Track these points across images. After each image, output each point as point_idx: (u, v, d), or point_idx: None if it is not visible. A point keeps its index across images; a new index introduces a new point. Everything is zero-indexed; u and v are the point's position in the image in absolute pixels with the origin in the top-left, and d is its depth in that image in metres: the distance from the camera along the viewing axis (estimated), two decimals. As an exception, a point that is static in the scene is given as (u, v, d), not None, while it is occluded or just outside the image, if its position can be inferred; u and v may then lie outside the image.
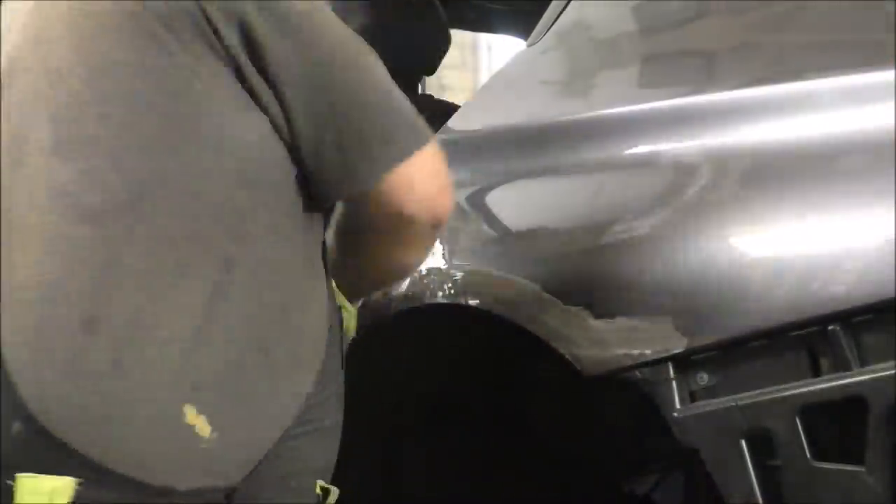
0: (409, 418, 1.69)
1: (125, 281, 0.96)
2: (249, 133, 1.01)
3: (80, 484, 0.93)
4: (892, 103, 1.06)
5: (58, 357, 0.94)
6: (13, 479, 0.93)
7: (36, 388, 0.94)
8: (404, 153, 1.05)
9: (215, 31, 0.98)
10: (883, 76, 1.10)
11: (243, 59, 1.00)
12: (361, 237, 1.15)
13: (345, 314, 1.20)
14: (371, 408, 1.48)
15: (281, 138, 1.03)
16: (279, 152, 1.03)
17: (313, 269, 1.10)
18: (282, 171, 1.04)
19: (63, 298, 0.95)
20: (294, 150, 1.04)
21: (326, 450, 1.11)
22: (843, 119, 1.12)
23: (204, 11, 0.98)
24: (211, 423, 0.98)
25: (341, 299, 1.21)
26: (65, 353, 0.94)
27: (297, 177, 1.05)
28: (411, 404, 1.65)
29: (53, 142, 0.97)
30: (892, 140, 1.05)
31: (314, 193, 1.07)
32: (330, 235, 1.20)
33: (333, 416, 1.12)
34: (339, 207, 1.17)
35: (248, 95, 1.01)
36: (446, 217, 1.11)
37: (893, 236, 1.01)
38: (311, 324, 1.09)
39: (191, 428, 0.97)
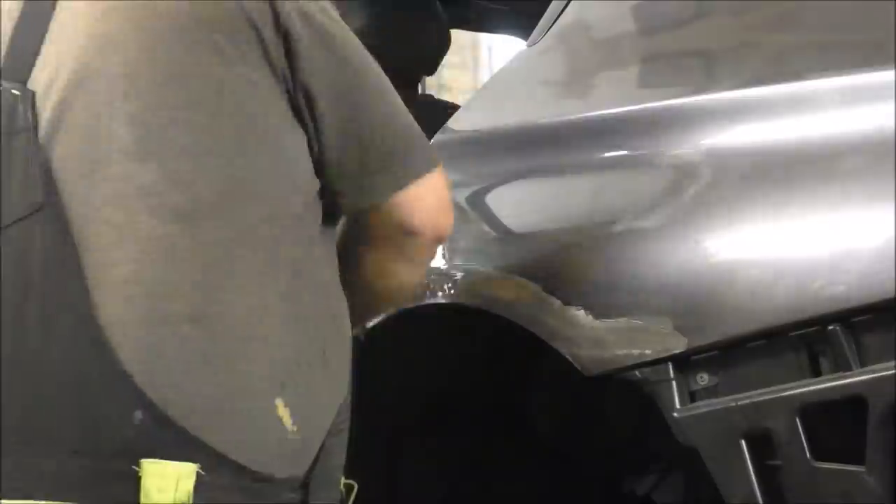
0: (410, 418, 1.69)
1: (219, 279, 1.02)
2: (296, 143, 1.08)
3: (201, 469, 0.98)
4: (892, 103, 1.06)
5: (169, 349, 0.99)
6: (138, 465, 0.96)
7: (153, 377, 0.98)
8: (419, 172, 1.13)
9: (263, 41, 1.04)
10: (883, 76, 1.10)
11: (287, 71, 1.06)
12: (364, 252, 1.19)
13: None
14: (371, 408, 1.48)
15: (310, 148, 1.09)
16: (311, 165, 1.10)
17: (341, 285, 1.16)
18: (316, 186, 1.11)
19: (168, 294, 1.00)
20: (317, 162, 1.10)
21: (344, 450, 1.16)
22: (843, 119, 1.12)
23: (252, 21, 1.04)
24: (292, 416, 1.03)
25: None
26: (176, 345, 0.99)
27: (320, 191, 1.12)
28: (411, 404, 1.65)
29: (135, 144, 1.01)
30: (892, 140, 1.05)
31: (329, 205, 1.13)
32: None
33: (348, 421, 1.16)
34: (345, 223, 1.21)
35: (290, 106, 1.07)
36: (447, 233, 1.18)
37: (893, 236, 1.01)
38: (349, 332, 1.16)
39: (280, 420, 1.02)
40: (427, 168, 1.13)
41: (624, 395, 1.28)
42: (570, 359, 1.24)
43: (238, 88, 1.04)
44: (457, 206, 1.50)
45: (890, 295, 1.00)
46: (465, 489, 1.79)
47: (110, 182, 1.01)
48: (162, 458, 0.97)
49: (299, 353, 1.06)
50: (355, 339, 1.20)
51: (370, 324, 1.42)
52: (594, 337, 1.23)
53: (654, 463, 1.84)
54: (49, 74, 1.05)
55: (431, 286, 1.43)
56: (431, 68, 2.41)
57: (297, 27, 1.05)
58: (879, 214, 1.04)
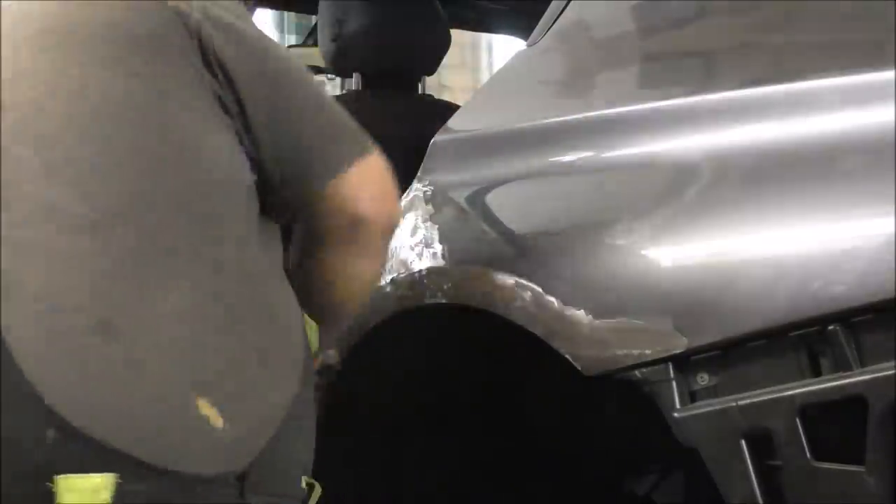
0: (409, 418, 1.69)
1: (127, 286, 1.01)
2: (219, 144, 1.09)
3: (120, 479, 0.96)
4: (892, 103, 1.06)
5: (77, 360, 0.97)
6: (52, 482, 0.94)
7: (63, 393, 0.96)
8: (353, 155, 1.15)
9: (174, 46, 1.07)
10: (883, 76, 1.10)
11: (205, 72, 1.08)
12: (320, 252, 1.22)
13: (308, 329, 1.25)
14: (371, 408, 1.48)
15: (242, 147, 1.11)
16: (242, 164, 1.11)
17: (285, 278, 1.16)
18: (246, 182, 1.11)
19: (73, 306, 0.99)
20: (253, 158, 1.12)
21: (307, 448, 1.15)
22: (843, 119, 1.12)
23: (161, 29, 1.07)
24: (222, 414, 1.02)
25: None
26: (83, 356, 0.97)
27: (256, 189, 1.13)
28: (411, 404, 1.65)
29: (43, 165, 1.02)
30: (893, 140, 1.05)
31: (273, 202, 1.15)
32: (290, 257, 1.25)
33: (311, 418, 1.16)
34: (298, 224, 1.23)
35: (216, 108, 1.08)
36: (396, 221, 1.22)
37: (893, 236, 1.01)
38: (294, 326, 1.15)
39: (205, 419, 1.01)
40: (361, 153, 1.15)
41: (624, 395, 1.28)
42: (570, 359, 1.24)
43: (146, 98, 1.05)
44: (457, 206, 1.50)
45: (890, 295, 1.00)
46: (464, 489, 1.79)
47: (19, 204, 1.01)
48: (80, 472, 0.95)
49: (228, 352, 1.05)
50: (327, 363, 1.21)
51: (370, 325, 1.42)
52: (594, 337, 1.23)
53: (654, 463, 1.84)
54: None
55: (431, 286, 1.43)
56: (431, 68, 2.41)
57: (208, 28, 1.08)
58: (879, 214, 1.04)
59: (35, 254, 1.00)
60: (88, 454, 0.96)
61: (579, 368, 1.24)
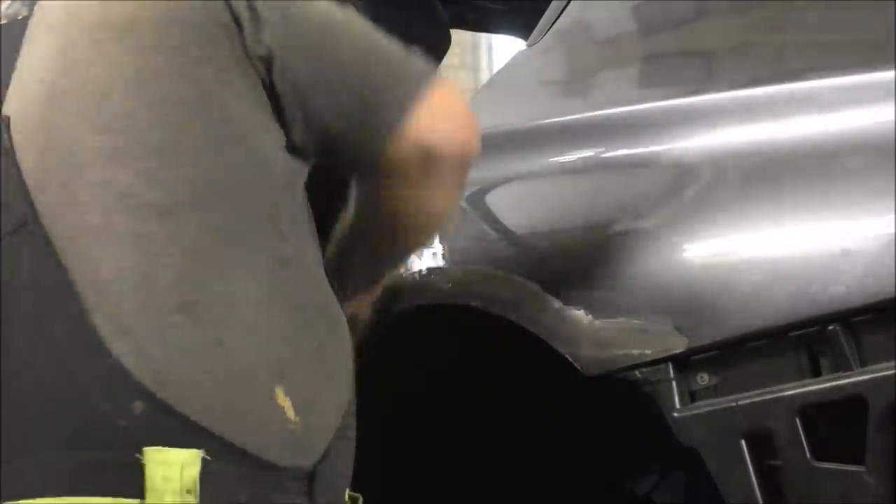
0: (410, 419, 1.69)
1: (206, 271, 1.02)
2: (270, 138, 1.09)
3: (206, 455, 0.97)
4: (892, 103, 1.06)
5: (163, 338, 0.99)
6: (141, 453, 0.95)
7: (150, 368, 0.98)
8: (415, 91, 1.10)
9: (227, 35, 1.06)
10: (883, 76, 1.10)
11: (252, 55, 1.07)
12: (390, 191, 1.17)
13: None
14: (372, 409, 1.48)
15: (306, 125, 1.10)
16: (291, 161, 1.10)
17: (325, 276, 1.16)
18: (297, 178, 1.12)
19: (155, 287, 1.00)
20: (323, 128, 1.10)
21: (351, 460, 1.14)
22: (843, 119, 1.12)
23: (212, 15, 1.06)
24: (294, 406, 1.02)
25: None
26: (169, 334, 0.99)
27: (303, 185, 1.12)
28: (411, 404, 1.65)
29: (109, 150, 1.03)
30: (892, 140, 1.05)
31: (351, 161, 1.14)
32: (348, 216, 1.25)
33: (354, 430, 1.15)
34: (362, 177, 1.21)
35: (263, 95, 1.08)
36: (473, 151, 1.14)
37: (893, 236, 1.01)
38: (345, 337, 1.14)
39: (282, 409, 1.02)
40: (423, 85, 1.11)
41: (624, 395, 1.28)
42: (570, 359, 1.24)
43: (209, 86, 1.05)
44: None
45: (890, 295, 1.00)
46: (464, 489, 1.79)
47: (87, 188, 1.02)
48: (166, 446, 0.96)
49: (293, 344, 1.05)
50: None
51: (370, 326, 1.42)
52: (594, 337, 1.23)
53: (654, 463, 1.84)
54: (21, 97, 1.07)
55: (431, 286, 1.43)
56: (431, 68, 2.41)
57: (243, 10, 1.07)
58: (879, 214, 1.04)
59: (109, 239, 1.01)
60: (174, 428, 0.97)
61: (579, 368, 1.24)
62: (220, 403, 0.99)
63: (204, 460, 0.96)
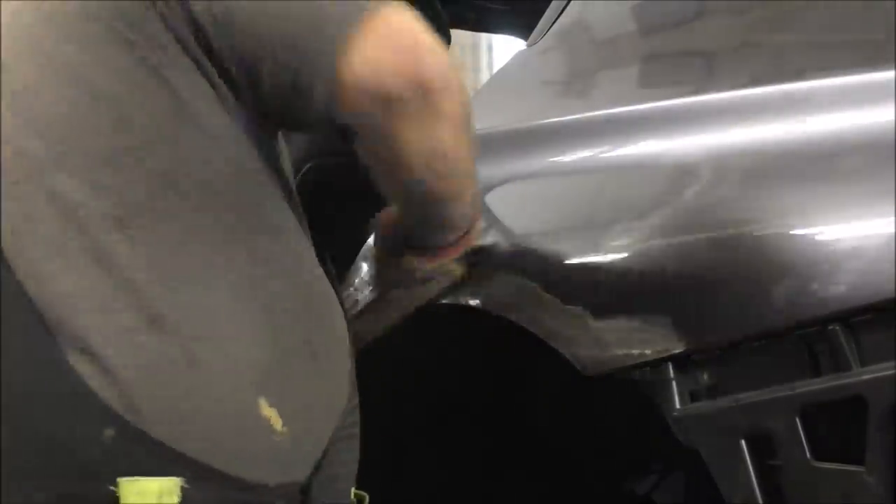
0: (411, 419, 1.69)
1: (169, 281, 0.95)
2: (220, 118, 1.00)
3: (184, 483, 0.91)
4: (892, 103, 1.06)
5: (130, 359, 0.93)
6: (114, 485, 0.90)
7: (119, 391, 0.92)
8: (352, 19, 0.93)
9: (167, 22, 0.97)
10: (883, 76, 1.10)
11: (192, 43, 0.98)
12: (369, 142, 1.04)
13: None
14: (371, 408, 1.47)
15: (253, 86, 0.99)
16: (255, 139, 1.02)
17: (322, 271, 1.09)
18: (266, 158, 1.03)
19: (116, 304, 0.94)
20: (256, 101, 0.99)
21: (355, 457, 1.10)
22: (843, 119, 1.12)
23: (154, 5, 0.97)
24: (281, 415, 0.97)
25: None
26: (136, 354, 0.93)
27: (279, 166, 1.05)
28: (412, 404, 1.65)
29: (50, 158, 0.96)
30: (892, 140, 1.05)
31: (302, 121, 1.02)
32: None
33: (359, 425, 1.11)
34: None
35: (206, 80, 0.99)
36: (436, 78, 0.95)
37: (893, 236, 1.01)
38: (340, 326, 1.08)
39: (266, 420, 0.96)
40: (359, 12, 0.93)
41: (624, 395, 1.28)
42: (570, 359, 1.24)
43: (145, 77, 0.96)
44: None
45: (890, 295, 1.00)
46: (465, 489, 1.79)
47: (34, 199, 0.96)
48: (141, 475, 0.91)
49: (275, 346, 0.99)
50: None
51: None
52: (594, 337, 1.23)
53: (655, 463, 1.84)
54: None
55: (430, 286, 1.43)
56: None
57: None
58: (879, 214, 1.04)
59: (63, 253, 0.94)
60: (150, 455, 0.92)
61: (579, 368, 1.24)
62: (196, 425, 0.93)
63: (183, 489, 0.91)
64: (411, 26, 0.95)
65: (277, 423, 0.97)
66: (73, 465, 0.91)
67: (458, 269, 1.33)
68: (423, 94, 0.94)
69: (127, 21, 0.96)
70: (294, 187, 1.12)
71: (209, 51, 0.98)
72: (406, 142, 0.98)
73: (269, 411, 0.96)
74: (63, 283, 0.94)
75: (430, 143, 0.99)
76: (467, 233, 1.22)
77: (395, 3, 0.95)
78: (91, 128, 0.96)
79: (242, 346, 0.97)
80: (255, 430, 0.96)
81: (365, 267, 1.50)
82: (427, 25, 0.94)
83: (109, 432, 0.91)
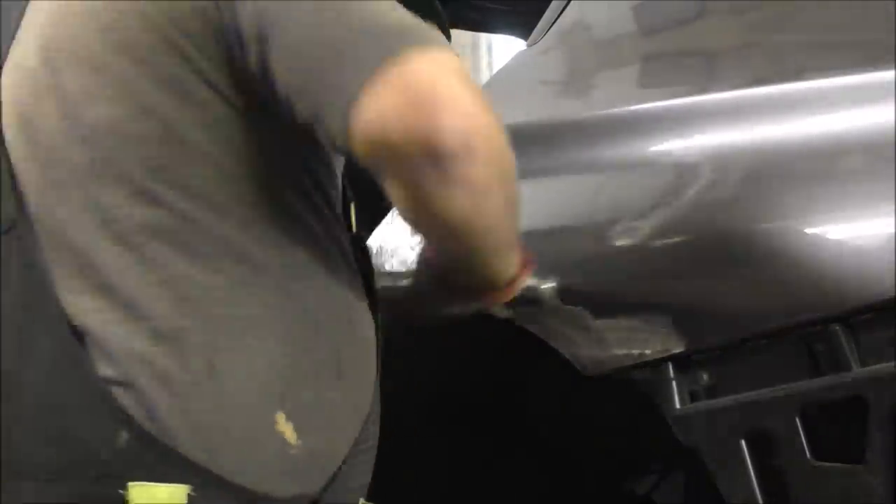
0: (410, 418, 1.69)
1: (193, 293, 0.95)
2: (262, 136, 0.98)
3: (192, 491, 0.92)
4: (892, 103, 1.06)
5: (149, 369, 0.94)
6: (125, 488, 0.91)
7: (136, 398, 0.93)
8: (371, 66, 0.83)
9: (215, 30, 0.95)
10: (883, 76, 1.10)
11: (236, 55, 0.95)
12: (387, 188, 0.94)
13: None
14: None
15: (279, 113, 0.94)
16: (290, 155, 1.00)
17: (356, 281, 1.08)
18: (302, 175, 1.01)
19: (141, 314, 0.95)
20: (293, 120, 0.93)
21: (370, 469, 1.10)
22: (843, 119, 1.12)
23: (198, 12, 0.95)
24: (297, 430, 0.97)
25: None
26: (155, 364, 0.94)
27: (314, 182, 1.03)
28: (412, 404, 1.65)
29: (90, 165, 0.96)
30: (892, 140, 1.05)
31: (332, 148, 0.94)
32: None
33: (377, 436, 1.11)
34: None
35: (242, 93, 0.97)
36: (449, 140, 0.82)
37: (893, 236, 1.01)
38: (369, 337, 1.08)
39: (281, 435, 0.96)
40: (380, 57, 0.82)
41: (624, 395, 1.28)
42: (570, 359, 1.24)
43: (191, 89, 0.95)
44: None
45: (890, 295, 1.00)
46: (465, 489, 1.79)
47: (68, 205, 0.97)
48: (151, 480, 0.91)
49: (303, 361, 0.99)
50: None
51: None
52: (594, 337, 1.23)
53: (654, 463, 1.84)
54: (13, 84, 1.02)
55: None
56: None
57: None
58: (879, 214, 1.04)
59: (87, 262, 0.95)
60: (161, 461, 0.92)
61: (579, 368, 1.24)
62: (209, 435, 0.94)
63: (190, 496, 0.92)
64: (435, 78, 0.82)
65: (292, 438, 0.97)
66: (90, 465, 0.92)
67: (503, 313, 1.28)
68: (433, 156, 0.83)
69: (180, 29, 0.94)
70: (336, 194, 1.09)
71: (244, 65, 0.94)
72: (417, 201, 0.89)
73: (285, 426, 0.96)
74: (89, 295, 0.95)
75: (444, 207, 0.88)
76: (514, 280, 1.10)
77: (436, 45, 0.85)
78: (133, 139, 0.95)
79: (267, 359, 0.97)
80: (269, 443, 0.96)
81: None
82: (466, 74, 0.85)
83: (124, 435, 0.92)
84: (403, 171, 0.86)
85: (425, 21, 0.90)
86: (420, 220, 0.93)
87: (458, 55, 0.87)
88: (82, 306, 0.95)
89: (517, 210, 0.95)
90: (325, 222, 1.04)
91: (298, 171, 1.01)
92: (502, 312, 1.27)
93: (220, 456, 0.94)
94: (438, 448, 1.75)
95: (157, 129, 0.95)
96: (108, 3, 0.98)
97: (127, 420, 0.92)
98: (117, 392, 0.93)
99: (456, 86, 0.83)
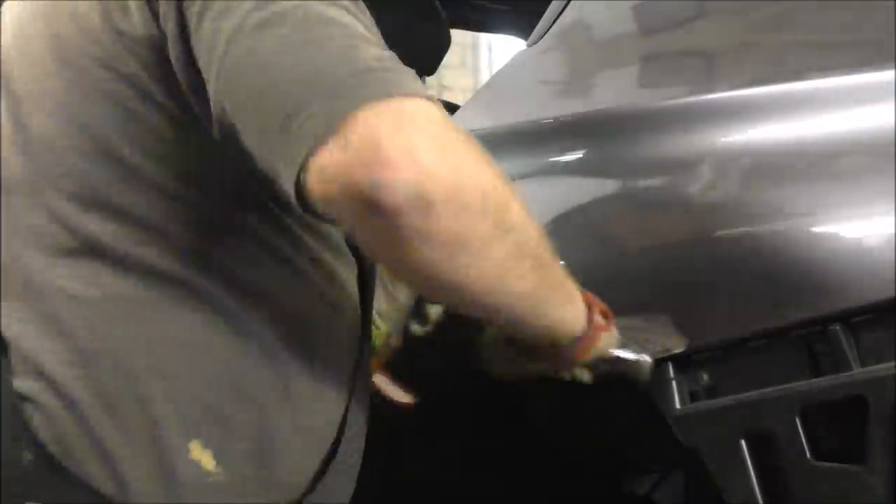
0: (409, 417, 1.68)
1: (124, 313, 0.92)
2: (195, 145, 0.93)
3: None
4: (892, 103, 1.06)
5: (60, 388, 0.92)
6: None
7: (45, 418, 0.91)
8: (310, 137, 0.79)
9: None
10: (883, 76, 1.10)
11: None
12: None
13: (373, 332, 1.12)
14: (372, 409, 1.47)
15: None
16: (224, 164, 0.93)
17: (333, 294, 1.02)
18: (242, 182, 0.95)
19: (62, 329, 0.93)
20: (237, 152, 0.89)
21: (349, 488, 1.06)
22: (843, 119, 1.12)
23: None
24: (216, 457, 0.93)
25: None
26: (67, 385, 0.92)
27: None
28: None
29: (29, 174, 0.95)
30: (893, 140, 1.05)
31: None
32: None
33: (358, 454, 1.07)
34: None
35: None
36: (400, 200, 0.77)
37: (893, 236, 1.01)
38: (336, 357, 1.03)
39: (196, 463, 0.93)
40: (328, 118, 0.78)
41: (624, 395, 1.28)
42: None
43: (131, 106, 0.92)
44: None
45: (890, 295, 1.00)
46: (465, 489, 1.79)
47: (7, 212, 0.95)
48: (52, 502, 0.89)
49: (238, 385, 0.94)
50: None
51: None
52: (594, 337, 1.22)
53: (654, 463, 1.83)
54: None
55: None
56: (431, 68, 2.41)
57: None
58: (879, 214, 1.04)
59: (18, 277, 0.94)
60: (63, 485, 0.90)
61: (579, 368, 1.24)
62: (117, 465, 0.91)
63: None
64: (381, 133, 0.78)
65: (210, 465, 0.93)
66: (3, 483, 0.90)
67: (584, 376, 1.14)
68: (380, 213, 0.78)
69: (125, 45, 0.92)
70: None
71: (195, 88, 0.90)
72: (384, 260, 0.89)
73: (201, 454, 0.93)
74: (16, 312, 0.94)
75: (411, 265, 0.83)
76: (585, 336, 1.04)
77: (399, 89, 0.82)
78: (73, 153, 0.94)
79: (189, 385, 0.93)
80: (184, 472, 0.93)
81: None
82: (432, 119, 0.82)
83: (28, 455, 0.90)
84: (359, 231, 0.84)
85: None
86: (399, 278, 0.92)
87: (428, 97, 0.83)
88: (7, 313, 0.94)
89: (538, 260, 0.92)
90: (295, 240, 0.99)
91: (255, 190, 0.94)
92: (584, 376, 1.15)
93: (129, 488, 0.91)
94: (437, 447, 1.75)
95: (89, 145, 0.93)
96: (60, 7, 0.96)
97: (34, 440, 0.90)
98: (28, 408, 0.91)
99: (410, 137, 0.78)
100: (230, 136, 0.86)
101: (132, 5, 0.91)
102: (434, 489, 1.76)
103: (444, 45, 2.34)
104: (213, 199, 0.94)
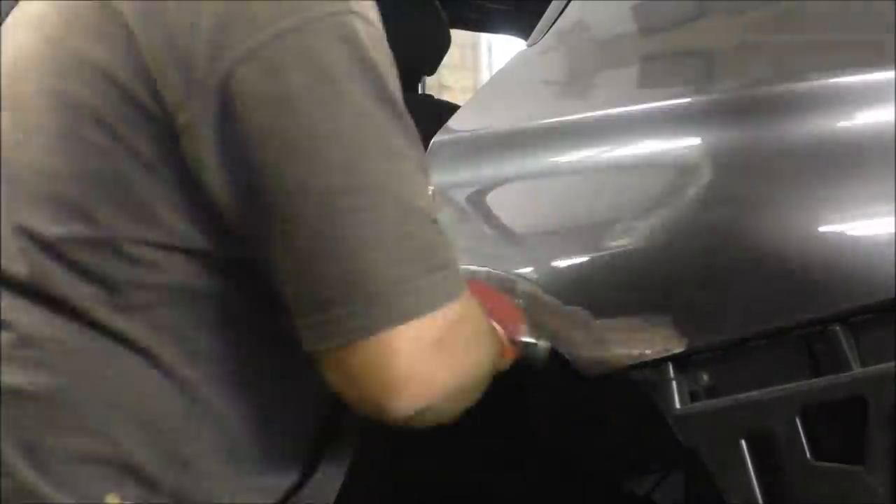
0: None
1: (46, 357, 0.91)
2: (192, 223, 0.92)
3: None
4: (892, 103, 1.06)
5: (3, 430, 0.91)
6: None
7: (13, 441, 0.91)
8: (337, 337, 0.88)
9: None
10: (883, 76, 1.10)
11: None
12: None
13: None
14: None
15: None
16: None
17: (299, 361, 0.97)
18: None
19: (31, 359, 0.91)
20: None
21: None
22: (843, 119, 1.12)
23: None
24: None
25: None
26: (10, 425, 0.91)
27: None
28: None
29: (8, 198, 0.95)
30: (893, 140, 1.05)
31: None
32: None
33: (332, 495, 1.07)
34: None
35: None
36: (397, 415, 0.91)
37: (893, 236, 1.01)
38: (295, 423, 1.03)
39: None
40: (352, 332, 0.87)
41: (624, 395, 1.28)
42: (570, 359, 1.24)
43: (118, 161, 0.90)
44: (457, 206, 1.50)
45: (890, 295, 1.00)
46: (464, 489, 1.79)
47: None
48: None
49: (176, 447, 0.93)
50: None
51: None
52: (594, 337, 1.22)
53: (654, 463, 1.84)
54: None
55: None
56: (431, 68, 2.41)
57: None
58: (879, 214, 1.04)
59: None
60: None
61: (579, 369, 1.24)
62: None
63: None
64: (391, 361, 0.88)
65: None
66: None
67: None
68: (386, 421, 0.92)
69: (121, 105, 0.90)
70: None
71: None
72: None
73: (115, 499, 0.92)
74: None
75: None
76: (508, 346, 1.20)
77: (430, 304, 0.90)
78: (48, 201, 0.92)
79: (110, 440, 0.91)
80: None
81: None
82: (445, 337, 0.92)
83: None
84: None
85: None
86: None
87: (453, 310, 0.93)
88: None
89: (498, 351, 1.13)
90: (262, 309, 0.96)
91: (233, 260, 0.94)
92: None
93: None
94: (437, 448, 1.75)
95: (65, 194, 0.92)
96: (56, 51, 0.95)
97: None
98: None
99: (417, 363, 0.89)
100: (254, 239, 0.90)
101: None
102: (434, 489, 1.76)
103: (444, 45, 2.34)
104: (180, 267, 0.92)
